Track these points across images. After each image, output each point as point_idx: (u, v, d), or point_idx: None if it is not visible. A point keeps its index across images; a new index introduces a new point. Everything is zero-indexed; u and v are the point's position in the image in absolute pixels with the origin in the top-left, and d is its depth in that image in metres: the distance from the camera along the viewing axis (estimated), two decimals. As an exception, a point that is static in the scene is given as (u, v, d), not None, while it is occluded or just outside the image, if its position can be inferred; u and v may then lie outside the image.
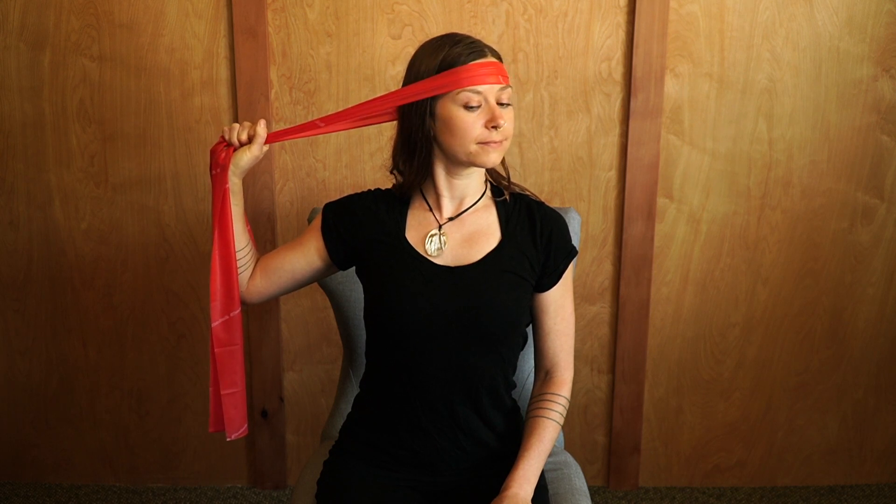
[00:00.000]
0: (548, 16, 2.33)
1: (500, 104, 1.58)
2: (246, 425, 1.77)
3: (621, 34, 2.34)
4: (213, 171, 1.68)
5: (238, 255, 1.69)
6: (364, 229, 1.68)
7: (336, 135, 2.40)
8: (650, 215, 2.44)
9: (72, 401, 2.63)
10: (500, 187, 1.72)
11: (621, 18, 2.33)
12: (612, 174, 2.43)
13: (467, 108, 1.57)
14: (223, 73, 2.38)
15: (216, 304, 1.69)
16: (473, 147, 1.58)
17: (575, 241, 1.92)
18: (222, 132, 1.69)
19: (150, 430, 2.64)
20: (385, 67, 2.35)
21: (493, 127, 1.57)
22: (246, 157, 1.66)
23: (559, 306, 1.69)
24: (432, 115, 1.59)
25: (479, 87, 1.56)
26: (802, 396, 2.61)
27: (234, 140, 1.67)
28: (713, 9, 2.32)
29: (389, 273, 1.64)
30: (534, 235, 1.67)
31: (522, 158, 2.41)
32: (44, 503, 2.59)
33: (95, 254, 2.51)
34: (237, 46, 2.33)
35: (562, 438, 1.99)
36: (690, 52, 2.35)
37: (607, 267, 2.50)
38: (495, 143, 1.58)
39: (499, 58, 1.61)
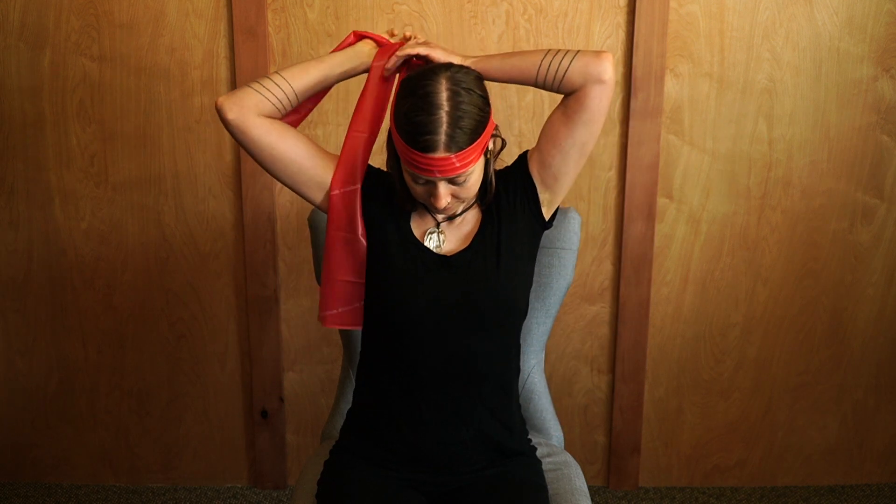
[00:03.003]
0: (548, 16, 2.33)
1: (455, 182, 1.53)
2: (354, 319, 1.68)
3: (621, 34, 2.34)
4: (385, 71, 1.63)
5: (289, 98, 1.62)
6: (379, 207, 1.67)
7: (336, 136, 2.39)
8: (650, 215, 2.44)
9: (72, 401, 2.63)
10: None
11: (621, 18, 2.33)
12: (612, 174, 2.43)
13: (414, 181, 1.55)
14: (223, 73, 2.38)
15: (338, 173, 1.63)
16: (425, 203, 1.60)
17: (575, 241, 1.93)
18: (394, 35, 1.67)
19: (150, 430, 2.64)
20: (385, 67, 2.35)
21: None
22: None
23: (554, 122, 1.64)
24: (398, 157, 1.59)
25: (418, 174, 1.52)
26: (802, 396, 2.61)
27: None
28: (713, 9, 2.32)
29: (391, 264, 1.64)
30: (508, 198, 1.67)
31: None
32: (44, 503, 2.59)
33: (95, 254, 2.51)
34: (237, 46, 2.33)
35: (562, 438, 1.99)
36: (690, 52, 2.35)
37: (607, 267, 2.50)
38: (443, 211, 1.58)
39: (466, 139, 1.48)
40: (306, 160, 1.64)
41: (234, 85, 2.37)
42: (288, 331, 2.55)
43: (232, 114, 1.59)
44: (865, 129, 2.42)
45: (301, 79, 1.63)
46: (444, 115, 1.48)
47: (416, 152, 1.49)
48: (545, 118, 2.37)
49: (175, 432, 2.64)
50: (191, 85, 2.38)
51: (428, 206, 1.62)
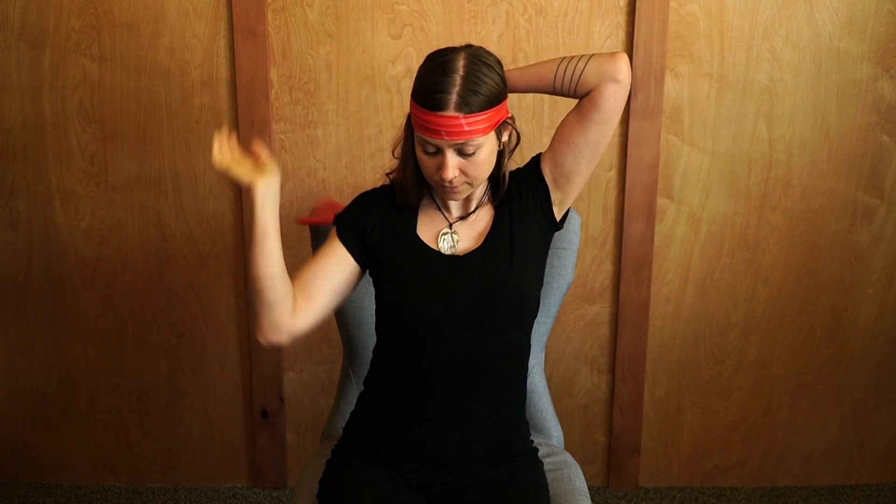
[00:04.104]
0: (548, 16, 2.33)
1: (463, 154, 1.54)
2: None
3: (621, 34, 2.34)
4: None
5: (279, 291, 1.60)
6: (376, 226, 1.67)
7: (336, 135, 2.40)
8: (650, 215, 2.44)
9: (72, 401, 2.63)
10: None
11: (621, 18, 2.33)
12: (612, 174, 2.43)
13: (424, 151, 1.55)
14: (223, 73, 2.38)
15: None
16: (433, 182, 1.59)
17: (575, 241, 1.93)
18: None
19: (150, 430, 2.64)
20: (385, 67, 2.35)
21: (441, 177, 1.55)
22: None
23: (568, 122, 1.65)
24: (413, 136, 1.59)
25: (428, 138, 1.53)
26: (802, 396, 2.61)
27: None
28: (713, 9, 2.32)
29: (400, 269, 1.64)
30: (521, 199, 1.68)
31: (522, 159, 2.40)
32: (44, 503, 2.59)
33: (95, 254, 2.51)
34: (237, 46, 2.33)
35: (562, 438, 1.99)
36: (690, 52, 2.35)
37: (607, 267, 2.50)
38: (450, 187, 1.57)
39: (478, 103, 1.50)
40: (338, 275, 1.65)
41: (233, 85, 2.37)
42: (288, 331, 2.55)
43: (280, 339, 1.64)
44: (865, 129, 2.42)
45: (268, 265, 1.58)
46: (458, 78, 1.51)
47: (427, 111, 1.50)
48: (545, 118, 2.38)
49: (175, 432, 2.64)
50: (191, 85, 2.38)
51: (437, 188, 1.60)
